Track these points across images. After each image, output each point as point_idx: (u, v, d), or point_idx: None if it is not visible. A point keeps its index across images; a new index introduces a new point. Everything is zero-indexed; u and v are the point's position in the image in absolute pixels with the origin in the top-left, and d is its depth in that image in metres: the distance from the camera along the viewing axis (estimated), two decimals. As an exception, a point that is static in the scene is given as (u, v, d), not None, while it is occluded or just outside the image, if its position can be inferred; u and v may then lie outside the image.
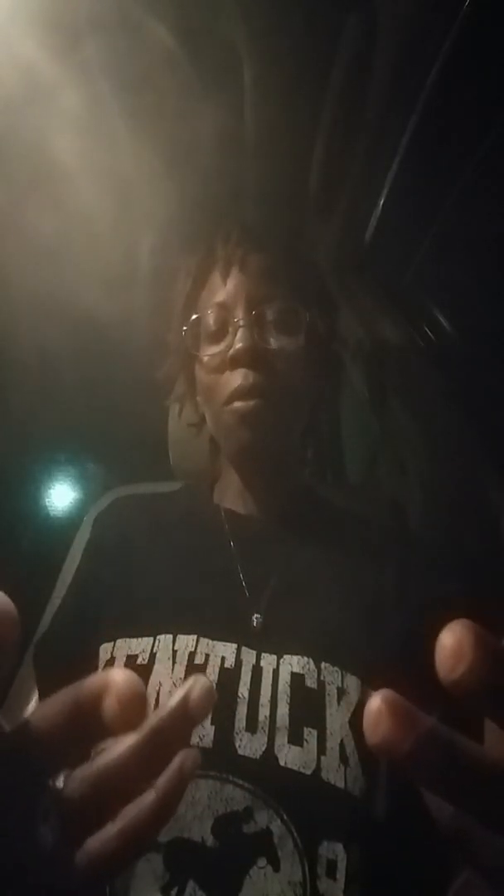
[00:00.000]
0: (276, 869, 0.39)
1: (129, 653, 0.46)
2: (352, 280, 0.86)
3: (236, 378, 0.53)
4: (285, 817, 0.40)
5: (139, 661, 0.45)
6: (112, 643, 0.48)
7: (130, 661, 0.46)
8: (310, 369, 0.57)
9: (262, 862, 0.39)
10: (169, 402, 0.68)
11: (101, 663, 0.48)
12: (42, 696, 0.51)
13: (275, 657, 0.46)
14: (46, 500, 1.84)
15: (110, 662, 0.47)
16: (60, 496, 1.85)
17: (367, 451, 0.93)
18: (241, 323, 0.53)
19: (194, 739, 0.42)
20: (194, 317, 0.57)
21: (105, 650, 0.48)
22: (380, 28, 0.57)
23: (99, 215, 0.74)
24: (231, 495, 0.60)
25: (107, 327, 0.83)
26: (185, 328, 0.57)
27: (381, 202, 0.75)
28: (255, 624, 0.48)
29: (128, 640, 0.47)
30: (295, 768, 0.41)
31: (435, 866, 0.38)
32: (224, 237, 0.58)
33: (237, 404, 0.53)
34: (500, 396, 0.70)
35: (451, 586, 0.51)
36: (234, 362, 0.53)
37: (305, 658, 0.45)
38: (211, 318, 0.56)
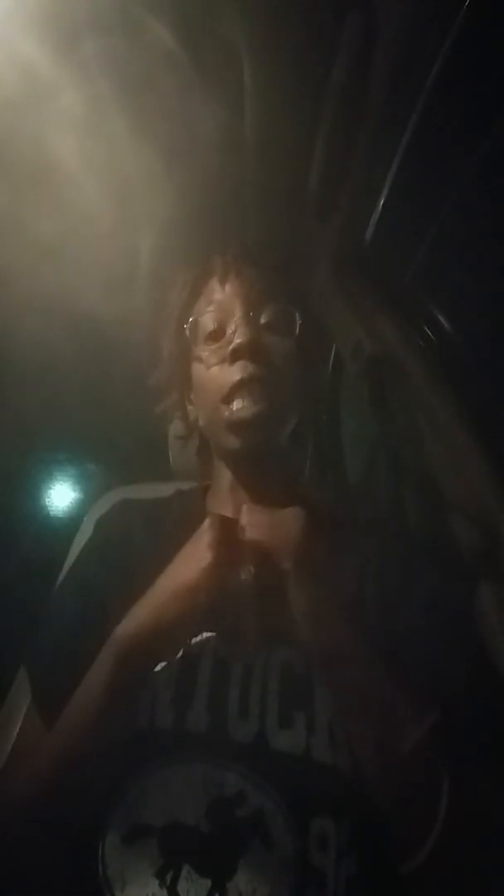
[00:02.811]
0: (269, 847, 0.40)
1: None
2: (351, 280, 0.86)
3: (236, 371, 0.55)
4: (277, 797, 0.41)
5: None
6: None
7: None
8: (302, 368, 0.60)
9: (255, 843, 0.40)
10: (159, 409, 0.68)
11: None
12: (40, 701, 0.50)
13: (265, 652, 0.48)
14: (46, 499, 1.84)
15: None
16: (60, 496, 1.85)
17: (367, 451, 0.93)
18: (240, 321, 0.56)
19: (189, 724, 0.44)
20: (191, 318, 0.59)
21: None
22: (380, 28, 0.57)
23: (99, 215, 0.74)
24: (222, 499, 0.61)
25: (107, 327, 0.84)
26: (186, 326, 0.60)
27: (381, 202, 0.75)
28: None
29: None
30: (285, 750, 0.43)
31: (420, 838, 0.38)
32: (221, 250, 0.61)
33: (237, 404, 0.55)
34: (500, 396, 0.70)
35: (442, 587, 0.53)
36: (234, 355, 0.55)
37: (294, 650, 0.47)
38: (209, 317, 0.58)
